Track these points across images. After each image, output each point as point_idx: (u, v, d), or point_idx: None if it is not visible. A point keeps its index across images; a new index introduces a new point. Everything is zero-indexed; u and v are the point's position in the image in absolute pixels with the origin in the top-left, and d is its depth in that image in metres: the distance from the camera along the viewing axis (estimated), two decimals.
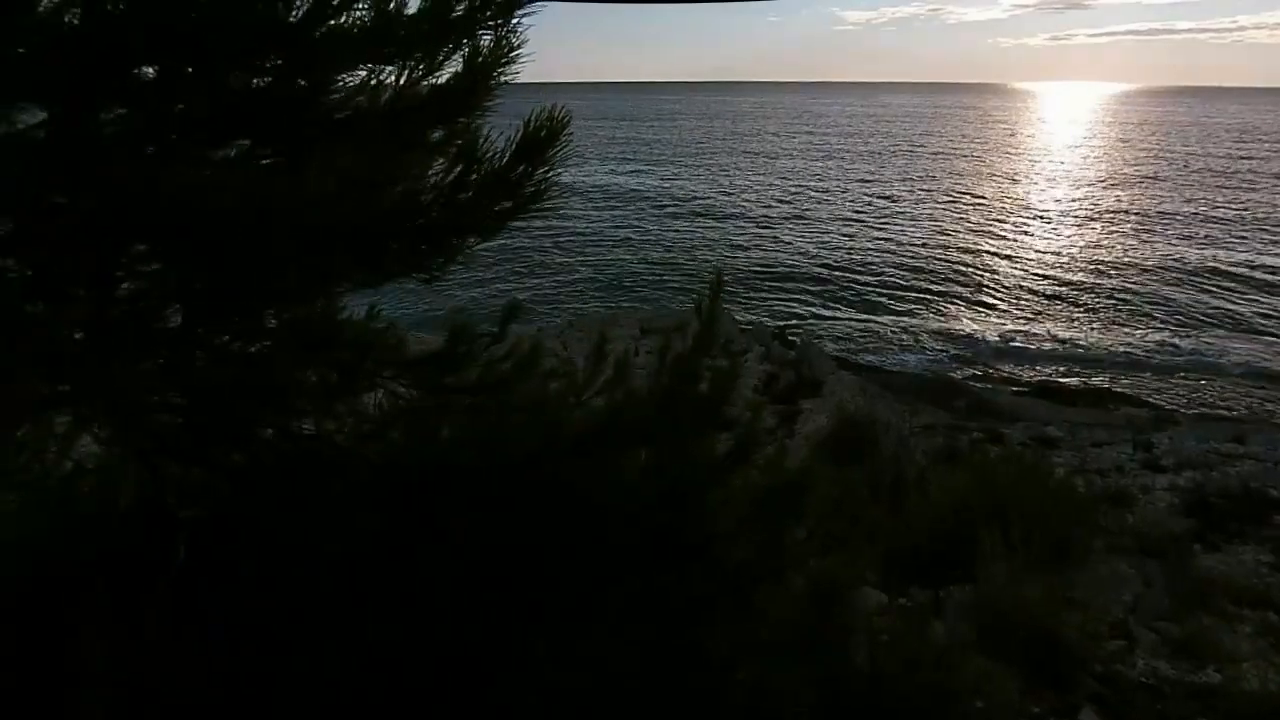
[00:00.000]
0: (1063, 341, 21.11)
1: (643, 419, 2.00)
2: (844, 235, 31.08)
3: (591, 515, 1.98)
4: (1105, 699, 3.01)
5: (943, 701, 2.50)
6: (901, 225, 32.61)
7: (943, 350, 20.95)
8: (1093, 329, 21.84)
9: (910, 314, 23.04)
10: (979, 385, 17.85)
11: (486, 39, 1.37)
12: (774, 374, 13.46)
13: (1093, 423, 11.21)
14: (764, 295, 23.84)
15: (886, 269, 26.30)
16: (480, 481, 2.12)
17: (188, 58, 1.11)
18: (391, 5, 1.21)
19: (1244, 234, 29.38)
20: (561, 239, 28.74)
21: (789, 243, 29.63)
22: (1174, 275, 25.11)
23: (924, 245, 29.11)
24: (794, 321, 21.38)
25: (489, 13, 1.35)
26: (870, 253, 28.27)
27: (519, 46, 1.41)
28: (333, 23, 1.15)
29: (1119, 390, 17.69)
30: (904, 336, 21.93)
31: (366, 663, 2.05)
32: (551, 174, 1.37)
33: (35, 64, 1.09)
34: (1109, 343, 20.94)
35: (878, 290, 24.46)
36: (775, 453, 2.32)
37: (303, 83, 1.17)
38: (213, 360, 2.18)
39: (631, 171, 48.00)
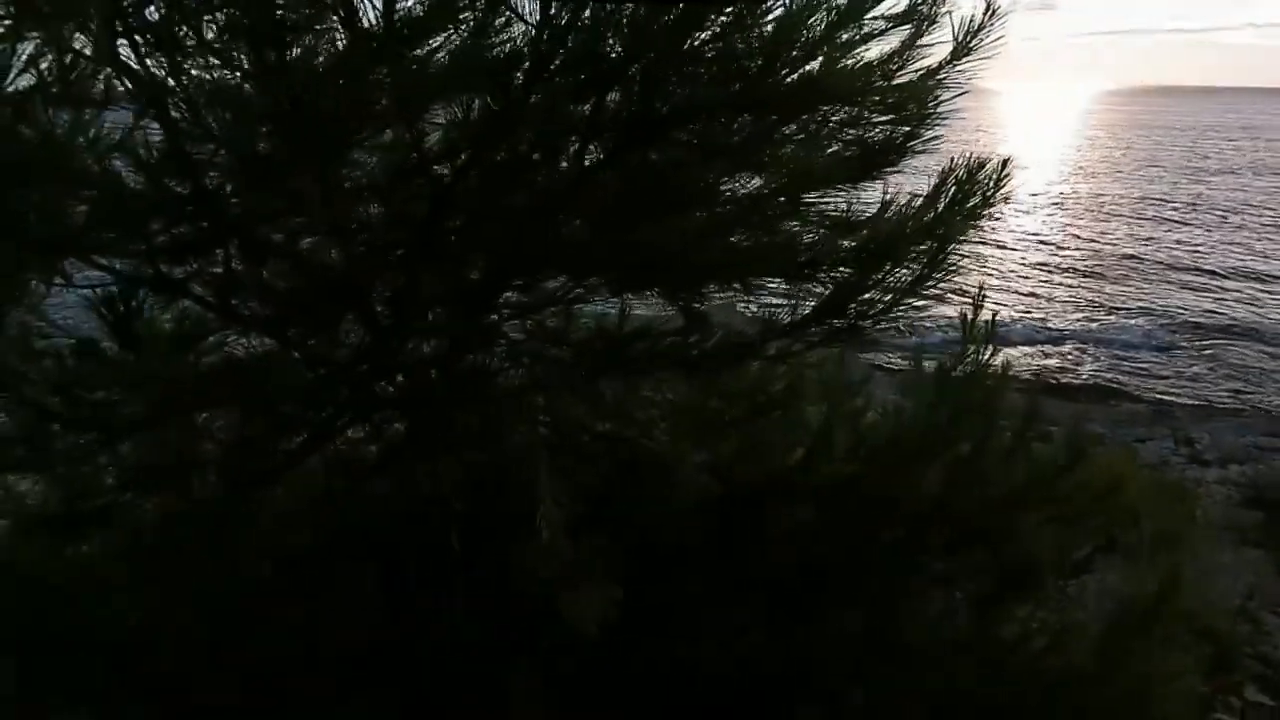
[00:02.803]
0: (1051, 335, 21.49)
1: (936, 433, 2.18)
2: None
3: (894, 516, 2.17)
4: (1267, 679, 3.26)
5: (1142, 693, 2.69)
6: None
7: (929, 344, 21.15)
8: (1078, 323, 22.26)
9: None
10: None
11: None
12: None
13: (1113, 419, 11.55)
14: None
15: None
16: (778, 485, 2.29)
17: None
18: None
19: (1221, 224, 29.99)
20: None
21: None
22: (1156, 270, 25.62)
23: None
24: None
25: None
26: None
27: None
28: None
29: (1113, 386, 18.10)
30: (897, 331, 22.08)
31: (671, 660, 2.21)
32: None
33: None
34: (1094, 337, 21.36)
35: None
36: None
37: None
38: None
39: None
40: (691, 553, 2.14)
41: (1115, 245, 29.50)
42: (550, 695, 2.09)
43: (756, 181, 1.63)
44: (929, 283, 1.55)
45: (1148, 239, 28.59)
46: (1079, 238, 31.17)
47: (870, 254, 1.49)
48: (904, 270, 1.54)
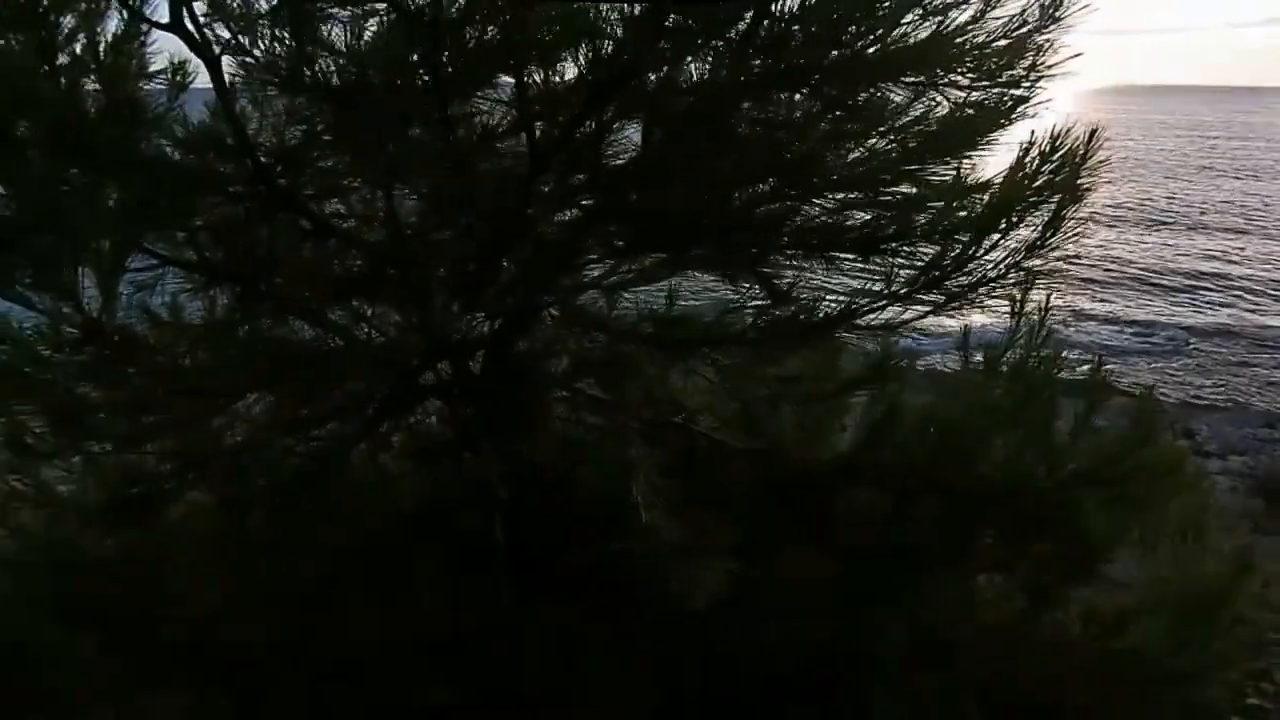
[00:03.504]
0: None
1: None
2: None
3: (956, 499, 2.13)
4: None
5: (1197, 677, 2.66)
6: None
7: (922, 339, 21.24)
8: (1062, 325, 22.32)
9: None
10: None
11: None
12: None
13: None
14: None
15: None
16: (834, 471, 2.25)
17: None
18: None
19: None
20: None
21: None
22: (1135, 273, 25.83)
23: None
24: None
25: None
26: None
27: None
28: None
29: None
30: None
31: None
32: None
33: None
34: (1079, 340, 21.50)
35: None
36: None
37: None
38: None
39: None
40: (752, 537, 2.10)
41: (1095, 248, 29.75)
42: (613, 686, 2.04)
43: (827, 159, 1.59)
44: (1047, 247, 1.52)
45: (1127, 241, 28.84)
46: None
47: (987, 217, 1.45)
48: (1011, 237, 1.51)
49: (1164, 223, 31.34)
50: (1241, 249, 26.70)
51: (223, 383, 1.71)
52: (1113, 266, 25.96)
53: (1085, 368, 2.42)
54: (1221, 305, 21.52)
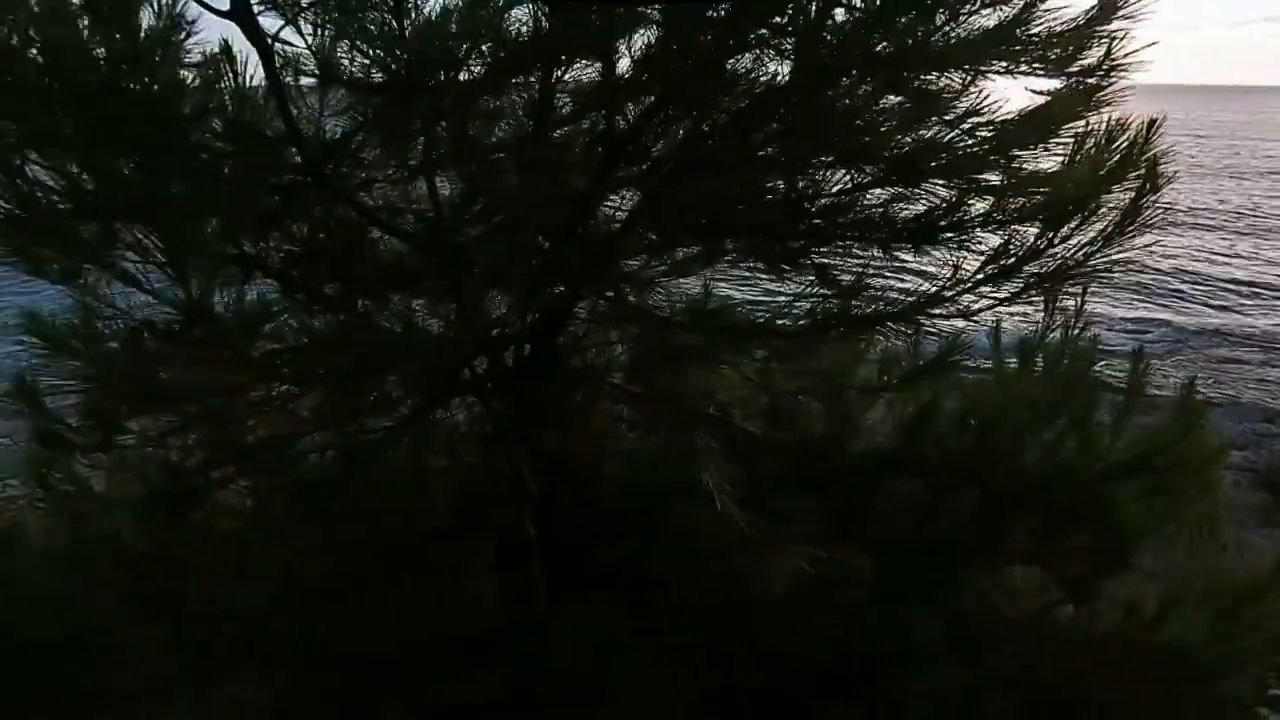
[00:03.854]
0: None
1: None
2: None
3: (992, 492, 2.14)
4: None
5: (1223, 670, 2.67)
6: None
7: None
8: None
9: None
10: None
11: None
12: None
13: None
14: None
15: None
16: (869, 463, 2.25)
17: None
18: None
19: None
20: None
21: None
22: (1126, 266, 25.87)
23: None
24: None
25: None
26: None
27: None
28: None
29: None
30: None
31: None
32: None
33: None
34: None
35: None
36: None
37: None
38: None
39: None
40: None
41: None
42: (646, 681, 2.04)
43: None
44: (1125, 235, 1.51)
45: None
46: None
47: (1064, 204, 1.44)
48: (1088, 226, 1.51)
49: (1150, 223, 31.36)
50: (1230, 248, 26.88)
51: (271, 374, 1.69)
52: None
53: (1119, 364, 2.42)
54: (1210, 304, 21.67)
